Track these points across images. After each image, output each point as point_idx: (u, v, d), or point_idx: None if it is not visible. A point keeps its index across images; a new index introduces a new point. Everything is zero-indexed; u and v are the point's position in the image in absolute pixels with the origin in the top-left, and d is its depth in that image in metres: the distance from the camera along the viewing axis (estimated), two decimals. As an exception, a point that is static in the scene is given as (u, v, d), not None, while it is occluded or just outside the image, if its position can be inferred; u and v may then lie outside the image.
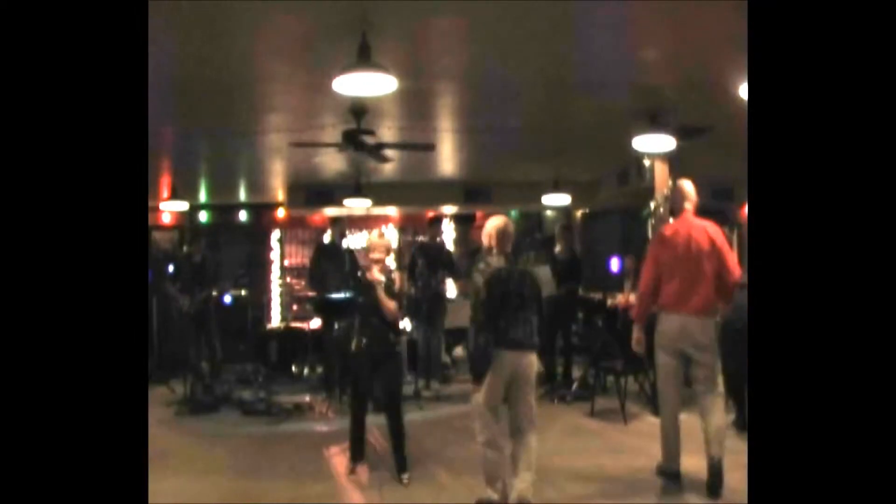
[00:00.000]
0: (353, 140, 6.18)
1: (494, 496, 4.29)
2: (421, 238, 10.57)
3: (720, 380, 4.70)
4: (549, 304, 7.98)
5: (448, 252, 9.48)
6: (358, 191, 9.19)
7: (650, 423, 6.56)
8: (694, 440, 4.88)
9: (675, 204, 4.90)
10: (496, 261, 4.36)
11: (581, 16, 4.13)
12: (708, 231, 4.72)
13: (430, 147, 7.01)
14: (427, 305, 8.51)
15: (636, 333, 4.97)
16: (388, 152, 6.80)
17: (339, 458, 5.59)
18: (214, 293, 8.26)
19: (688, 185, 4.88)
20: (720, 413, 4.67)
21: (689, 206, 4.82)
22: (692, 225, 4.75)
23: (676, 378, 4.80)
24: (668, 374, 4.80)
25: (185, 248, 9.62)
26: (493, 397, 4.27)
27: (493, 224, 4.47)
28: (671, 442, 4.82)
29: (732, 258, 4.74)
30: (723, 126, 6.27)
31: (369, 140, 6.23)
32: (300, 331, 9.37)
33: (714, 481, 4.54)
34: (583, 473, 5.11)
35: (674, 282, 4.67)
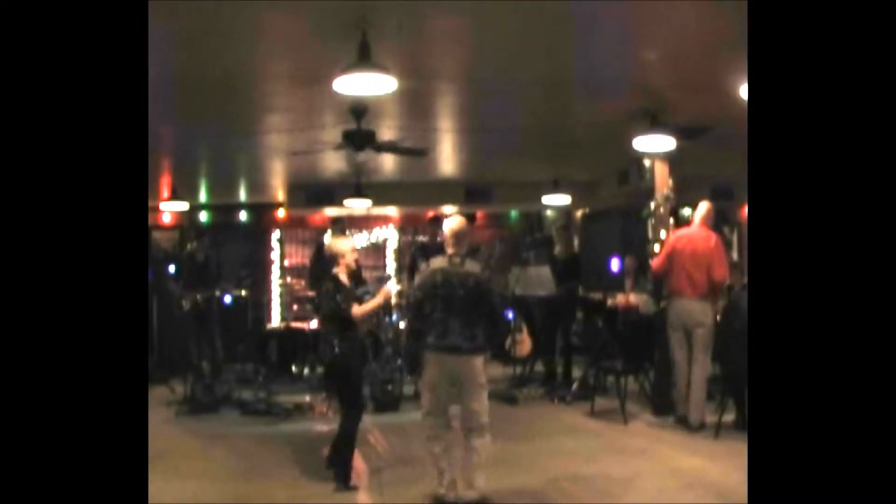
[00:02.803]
0: (353, 140, 6.19)
1: (441, 490, 4.35)
2: (421, 238, 10.57)
3: (710, 344, 6.16)
4: (548, 304, 8.08)
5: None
6: (358, 191, 9.19)
7: (650, 423, 6.56)
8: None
9: (695, 217, 6.51)
10: (438, 264, 4.38)
11: (581, 16, 4.13)
12: (710, 241, 6.28)
13: (422, 153, 7.02)
14: None
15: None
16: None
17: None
18: (217, 293, 8.25)
19: (709, 210, 6.48)
20: (705, 364, 6.20)
21: (702, 221, 6.42)
22: (700, 235, 6.35)
23: (683, 346, 6.24)
24: (676, 342, 6.28)
25: (188, 247, 9.60)
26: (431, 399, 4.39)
27: (448, 226, 4.49)
28: (681, 396, 6.23)
29: (721, 264, 6.19)
30: (723, 126, 6.27)
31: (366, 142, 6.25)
32: (300, 331, 9.36)
33: (695, 417, 6.08)
34: (582, 473, 5.10)
35: (682, 274, 6.21)
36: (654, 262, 6.59)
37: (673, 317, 6.30)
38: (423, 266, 4.44)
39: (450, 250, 4.41)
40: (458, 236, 4.42)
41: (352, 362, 4.90)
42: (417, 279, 4.49)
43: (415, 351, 4.32)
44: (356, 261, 5.13)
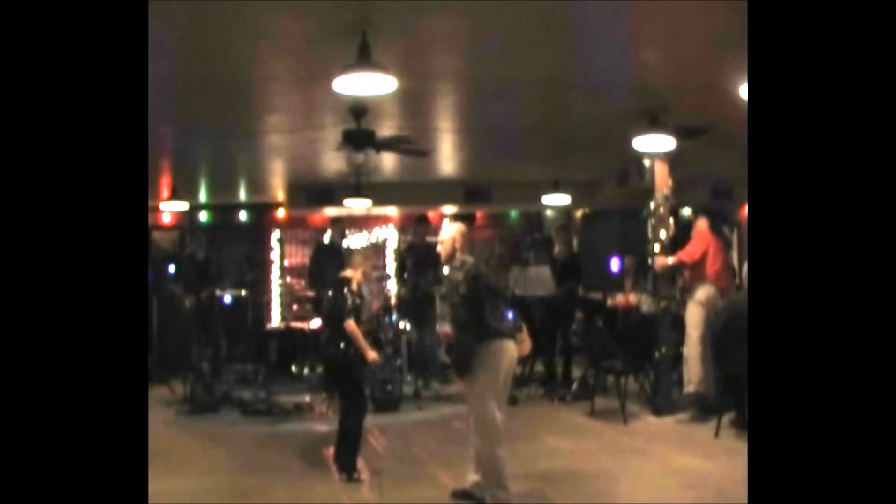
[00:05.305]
0: (353, 140, 6.19)
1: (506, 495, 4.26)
2: (409, 238, 10.56)
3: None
4: (548, 304, 8.07)
5: (437, 252, 9.47)
6: (358, 191, 9.18)
7: (650, 423, 6.57)
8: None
9: (702, 226, 7.10)
10: (468, 259, 4.53)
11: (581, 16, 4.12)
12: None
13: (424, 153, 7.02)
14: (416, 306, 8.50)
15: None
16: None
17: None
18: (217, 292, 8.25)
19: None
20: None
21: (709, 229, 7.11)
22: (718, 240, 7.20)
23: (703, 326, 6.71)
24: (703, 318, 6.71)
25: (187, 248, 9.58)
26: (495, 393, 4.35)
27: (456, 229, 4.67)
28: (696, 371, 6.64)
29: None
30: (723, 126, 6.27)
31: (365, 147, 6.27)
32: (300, 331, 9.35)
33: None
34: (582, 473, 5.11)
35: (723, 269, 6.97)
36: (692, 252, 6.90)
37: (705, 299, 6.78)
38: (456, 264, 4.52)
39: (460, 253, 4.57)
40: (464, 239, 4.63)
41: (355, 360, 5.08)
42: (455, 275, 4.48)
43: (470, 346, 4.29)
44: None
